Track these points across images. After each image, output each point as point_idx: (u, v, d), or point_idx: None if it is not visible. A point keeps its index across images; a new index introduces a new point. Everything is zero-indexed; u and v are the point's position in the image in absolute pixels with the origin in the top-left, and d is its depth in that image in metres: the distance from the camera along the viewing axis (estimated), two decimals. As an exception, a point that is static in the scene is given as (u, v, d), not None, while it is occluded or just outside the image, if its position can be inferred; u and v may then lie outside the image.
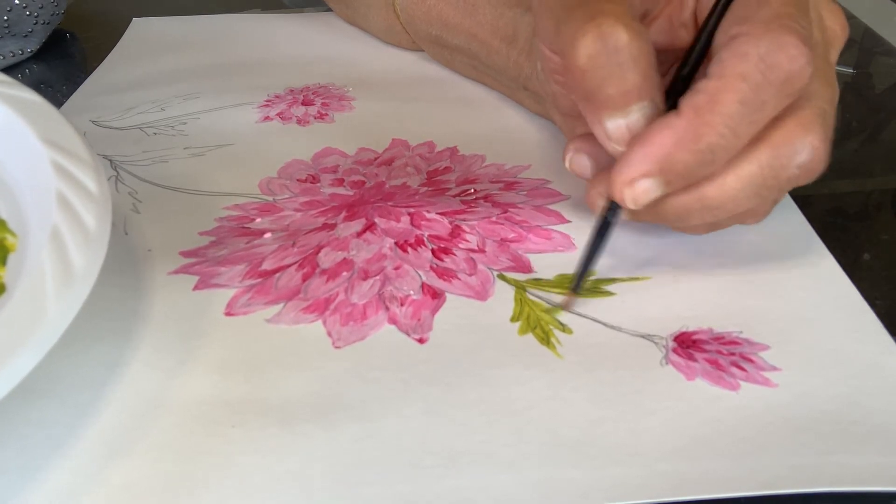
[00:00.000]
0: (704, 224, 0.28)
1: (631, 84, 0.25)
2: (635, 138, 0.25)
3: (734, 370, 0.25)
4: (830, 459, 0.22)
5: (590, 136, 0.29)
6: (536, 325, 0.27)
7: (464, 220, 0.32)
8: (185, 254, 0.31)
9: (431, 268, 0.29)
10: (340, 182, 0.35)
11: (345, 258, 0.30)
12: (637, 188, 0.25)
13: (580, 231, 0.31)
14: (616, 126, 0.25)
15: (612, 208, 0.27)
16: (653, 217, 0.27)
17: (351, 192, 0.34)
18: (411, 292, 0.28)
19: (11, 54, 0.50)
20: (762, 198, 0.26)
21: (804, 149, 0.25)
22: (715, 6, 0.26)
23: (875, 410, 0.23)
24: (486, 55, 0.40)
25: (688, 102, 0.24)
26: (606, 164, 0.28)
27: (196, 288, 0.29)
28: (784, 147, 0.25)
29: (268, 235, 0.32)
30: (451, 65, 0.45)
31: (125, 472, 0.22)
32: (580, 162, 0.29)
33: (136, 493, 0.22)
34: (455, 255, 0.30)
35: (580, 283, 0.27)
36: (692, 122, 0.24)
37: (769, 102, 0.24)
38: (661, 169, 0.24)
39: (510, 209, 0.32)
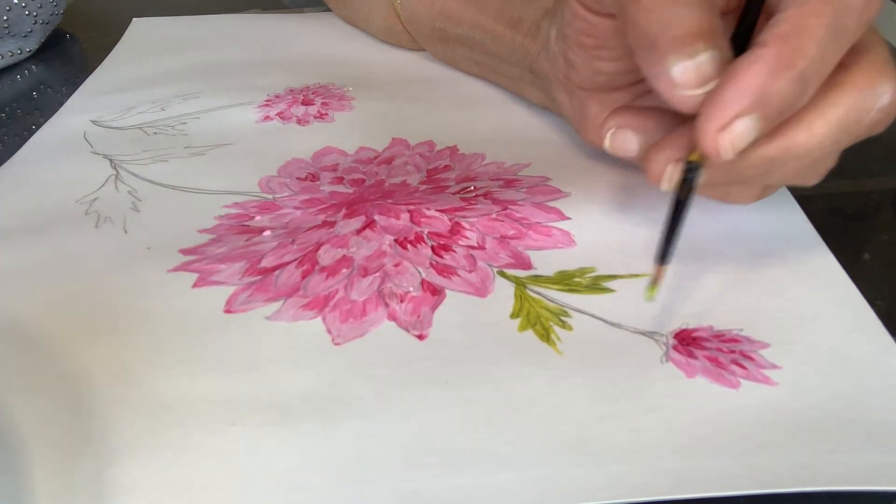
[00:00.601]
0: (762, 188, 0.28)
1: (699, 23, 0.24)
2: (724, 77, 0.24)
3: (734, 368, 0.25)
4: (830, 458, 0.22)
5: (630, 109, 0.28)
6: (536, 322, 0.27)
7: (463, 217, 0.32)
8: (185, 251, 0.31)
9: (431, 265, 0.29)
10: (340, 180, 0.35)
11: (344, 255, 0.30)
12: (734, 130, 0.23)
13: (580, 228, 0.31)
14: (684, 69, 0.24)
15: (692, 169, 0.25)
16: (732, 177, 0.26)
17: (351, 190, 0.34)
18: (411, 289, 0.28)
19: (10, 54, 0.50)
20: (841, 145, 0.26)
21: (885, 91, 0.25)
22: None
23: (875, 410, 0.23)
24: (490, 42, 0.40)
25: (770, 34, 0.24)
26: (654, 135, 0.27)
27: (195, 285, 0.29)
28: (867, 89, 0.25)
29: (267, 233, 0.32)
30: (454, 62, 0.45)
31: (125, 472, 0.22)
32: (624, 138, 0.28)
33: (136, 492, 0.22)
34: (455, 251, 0.30)
35: (666, 255, 0.26)
36: (782, 49, 0.23)
37: (850, 28, 0.24)
38: (758, 103, 0.23)
39: (510, 206, 0.32)
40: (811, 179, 0.28)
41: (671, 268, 0.29)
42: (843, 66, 0.25)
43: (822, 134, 0.25)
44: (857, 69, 0.25)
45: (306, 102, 0.43)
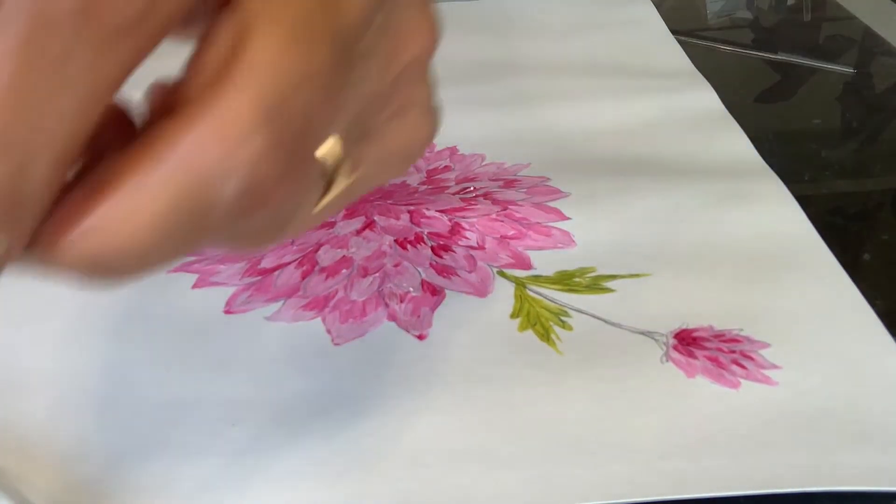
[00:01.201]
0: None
1: None
2: None
3: (734, 368, 0.25)
4: (830, 458, 0.22)
5: None
6: (536, 322, 0.27)
7: (463, 217, 0.32)
8: (185, 251, 0.31)
9: (431, 265, 0.29)
10: (340, 180, 0.35)
11: (344, 256, 0.30)
12: None
13: (580, 228, 0.31)
14: None
15: None
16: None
17: (350, 191, 0.34)
18: (411, 289, 0.28)
19: None
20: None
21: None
22: None
23: (875, 410, 0.23)
24: None
25: None
26: None
27: (195, 286, 0.29)
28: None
29: (267, 233, 0.31)
30: None
31: (125, 472, 0.22)
32: None
33: (135, 492, 0.22)
34: (455, 252, 0.30)
35: None
36: None
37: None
38: None
39: (510, 206, 0.32)
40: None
41: (671, 266, 0.29)
42: None
43: None
44: None
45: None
